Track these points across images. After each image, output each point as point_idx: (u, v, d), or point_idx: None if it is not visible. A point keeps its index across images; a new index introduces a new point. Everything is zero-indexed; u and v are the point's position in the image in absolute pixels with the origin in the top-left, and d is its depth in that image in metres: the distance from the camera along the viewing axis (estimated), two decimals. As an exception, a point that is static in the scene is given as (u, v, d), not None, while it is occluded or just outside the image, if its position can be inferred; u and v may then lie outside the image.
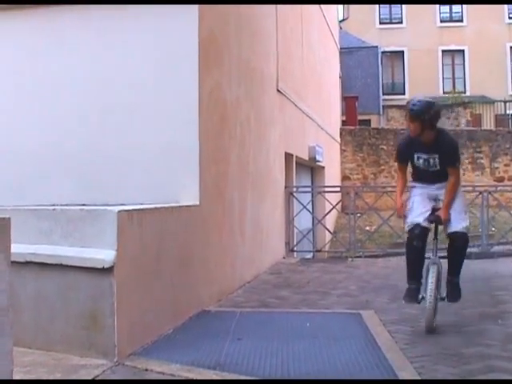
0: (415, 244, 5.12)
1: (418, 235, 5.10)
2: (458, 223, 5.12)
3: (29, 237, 4.47)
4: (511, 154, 21.89)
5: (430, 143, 5.12)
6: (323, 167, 15.36)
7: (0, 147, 6.26)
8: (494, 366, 4.00)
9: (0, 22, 6.29)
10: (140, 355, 4.29)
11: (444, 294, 5.23)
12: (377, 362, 4.13)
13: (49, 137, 6.12)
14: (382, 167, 21.96)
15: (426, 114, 5.06)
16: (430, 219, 5.12)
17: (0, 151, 6.25)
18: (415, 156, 5.20)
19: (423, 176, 5.25)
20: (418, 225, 5.09)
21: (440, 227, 5.23)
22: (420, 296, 5.13)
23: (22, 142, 6.21)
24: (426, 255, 5.21)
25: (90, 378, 3.78)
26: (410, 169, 5.40)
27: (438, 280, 5.07)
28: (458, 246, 5.20)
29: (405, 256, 5.31)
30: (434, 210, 5.18)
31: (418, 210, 5.16)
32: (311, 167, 14.76)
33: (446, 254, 5.25)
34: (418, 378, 3.80)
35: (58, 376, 3.80)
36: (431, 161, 5.15)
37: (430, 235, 5.23)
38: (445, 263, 5.27)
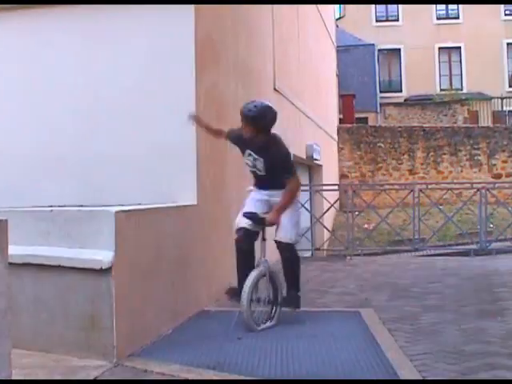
0: (239, 246, 5.19)
1: (240, 238, 5.16)
2: (285, 233, 5.15)
3: (26, 238, 4.45)
4: (509, 151, 21.91)
5: (260, 146, 5.08)
6: (321, 165, 15.35)
7: (-3, 149, 6.24)
8: (495, 363, 4.00)
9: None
10: (139, 356, 4.28)
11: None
12: (376, 360, 4.12)
13: (46, 138, 6.10)
14: (380, 165, 21.98)
15: (262, 119, 5.00)
16: (253, 219, 5.11)
17: (-3, 153, 6.24)
18: (247, 151, 5.20)
19: (256, 179, 5.33)
20: (241, 228, 5.14)
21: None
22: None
23: (18, 143, 6.19)
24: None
25: (89, 379, 3.77)
26: None
27: (258, 281, 5.08)
28: (285, 257, 5.28)
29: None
30: (264, 213, 5.20)
31: (247, 209, 5.22)
32: (309, 166, 14.74)
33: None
34: (419, 376, 3.80)
35: (57, 377, 3.79)
36: (258, 163, 5.15)
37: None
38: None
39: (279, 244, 5.20)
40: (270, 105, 5.16)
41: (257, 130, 5.02)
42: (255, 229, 5.16)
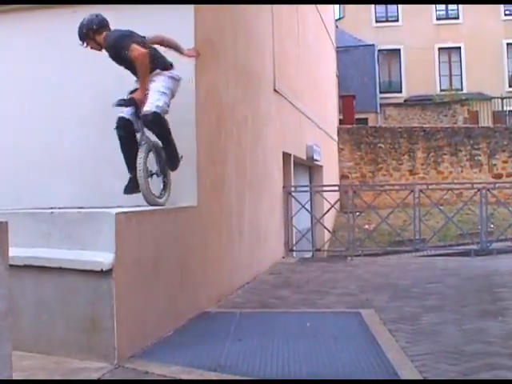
0: (118, 134, 5.24)
1: (118, 126, 5.22)
2: (150, 103, 5.09)
3: (27, 240, 4.45)
4: (509, 151, 21.90)
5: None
6: (321, 166, 15.35)
7: (-3, 151, 6.24)
8: (495, 364, 4.00)
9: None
10: (140, 357, 4.28)
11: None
12: (377, 361, 4.13)
13: (46, 139, 6.10)
14: (380, 165, 21.97)
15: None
16: (124, 104, 5.17)
17: (-3, 155, 6.24)
18: None
19: None
20: (120, 117, 5.21)
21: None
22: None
23: (19, 145, 6.19)
24: None
25: (90, 380, 3.76)
26: None
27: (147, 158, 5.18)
28: (156, 134, 5.26)
29: None
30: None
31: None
32: (309, 166, 14.75)
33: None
34: (419, 376, 3.80)
35: (57, 379, 3.79)
36: None
37: None
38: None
39: (145, 118, 5.11)
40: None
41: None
42: (129, 116, 5.21)
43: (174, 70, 5.36)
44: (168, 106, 5.21)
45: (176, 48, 5.50)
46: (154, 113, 5.06)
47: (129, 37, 5.20)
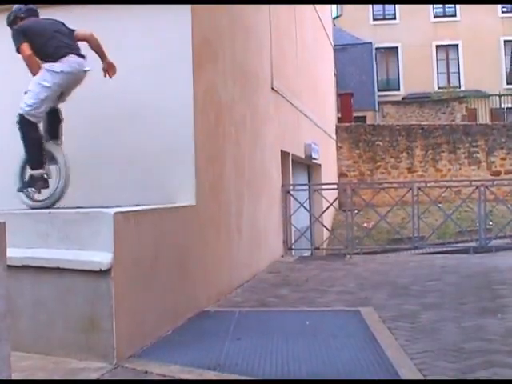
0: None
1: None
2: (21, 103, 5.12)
3: (25, 240, 4.45)
4: (507, 148, 21.93)
5: None
6: (320, 165, 15.35)
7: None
8: (495, 361, 4.00)
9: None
10: (139, 357, 4.28)
11: None
12: (377, 359, 4.13)
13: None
14: (379, 163, 21.98)
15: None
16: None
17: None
18: None
19: None
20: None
21: None
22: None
23: (17, 144, 6.17)
24: None
25: (89, 380, 3.76)
26: None
27: None
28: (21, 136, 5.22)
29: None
30: None
31: None
32: (307, 165, 14.75)
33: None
34: (419, 374, 3.80)
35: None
36: None
37: None
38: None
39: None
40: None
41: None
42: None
43: (71, 59, 5.20)
44: (43, 104, 5.12)
45: (102, 54, 5.46)
46: (18, 115, 5.10)
47: (23, 33, 5.19)
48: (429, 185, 13.95)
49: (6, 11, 6.12)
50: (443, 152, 21.96)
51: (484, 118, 26.27)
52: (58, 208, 5.25)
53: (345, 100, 25.93)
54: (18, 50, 5.17)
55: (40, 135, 5.28)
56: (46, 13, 6.09)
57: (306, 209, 11.45)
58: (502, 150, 21.96)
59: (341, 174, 21.68)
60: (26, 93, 5.10)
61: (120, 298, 4.16)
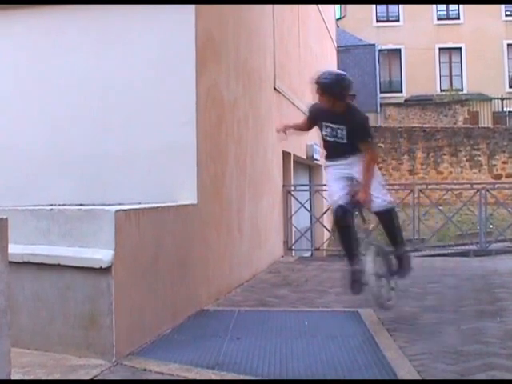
0: (342, 225, 5.23)
1: (341, 218, 5.18)
2: (382, 201, 5.19)
3: (26, 237, 4.46)
4: (509, 152, 21.92)
5: (339, 115, 5.16)
6: (321, 165, 15.34)
7: (-3, 147, 6.24)
8: (494, 364, 4.00)
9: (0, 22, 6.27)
10: (138, 355, 4.28)
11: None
12: (375, 360, 4.13)
13: (46, 136, 6.11)
14: (380, 165, 21.92)
15: (337, 86, 5.14)
16: (350, 205, 5.16)
17: (-3, 151, 6.24)
18: (323, 124, 5.27)
19: (333, 150, 5.30)
20: (339, 207, 5.16)
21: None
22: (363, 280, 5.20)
23: (20, 141, 6.19)
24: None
25: (88, 378, 3.77)
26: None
27: (378, 258, 5.21)
28: (387, 220, 5.32)
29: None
30: (353, 193, 5.20)
31: (336, 188, 5.25)
32: (309, 165, 14.75)
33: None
34: (417, 376, 3.80)
35: (56, 376, 3.78)
36: (339, 132, 5.19)
37: None
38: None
39: (381, 214, 5.24)
40: (344, 73, 5.37)
41: (334, 99, 5.11)
42: (351, 208, 5.23)
43: None
44: None
45: None
46: (389, 209, 5.26)
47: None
48: (430, 187, 13.95)
49: (16, 9, 6.15)
50: (445, 155, 21.96)
51: (486, 121, 26.27)
52: (59, 205, 5.26)
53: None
54: (365, 139, 5.22)
55: None
56: (49, 13, 6.11)
57: (306, 209, 11.46)
58: (503, 154, 21.95)
59: (342, 175, 21.64)
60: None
61: (120, 296, 4.17)
